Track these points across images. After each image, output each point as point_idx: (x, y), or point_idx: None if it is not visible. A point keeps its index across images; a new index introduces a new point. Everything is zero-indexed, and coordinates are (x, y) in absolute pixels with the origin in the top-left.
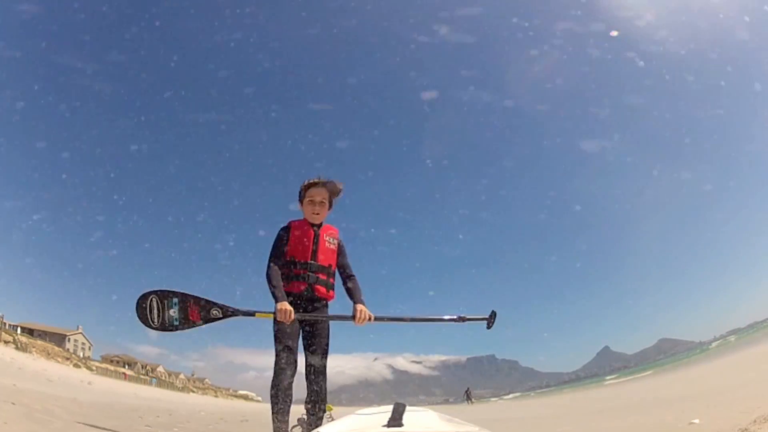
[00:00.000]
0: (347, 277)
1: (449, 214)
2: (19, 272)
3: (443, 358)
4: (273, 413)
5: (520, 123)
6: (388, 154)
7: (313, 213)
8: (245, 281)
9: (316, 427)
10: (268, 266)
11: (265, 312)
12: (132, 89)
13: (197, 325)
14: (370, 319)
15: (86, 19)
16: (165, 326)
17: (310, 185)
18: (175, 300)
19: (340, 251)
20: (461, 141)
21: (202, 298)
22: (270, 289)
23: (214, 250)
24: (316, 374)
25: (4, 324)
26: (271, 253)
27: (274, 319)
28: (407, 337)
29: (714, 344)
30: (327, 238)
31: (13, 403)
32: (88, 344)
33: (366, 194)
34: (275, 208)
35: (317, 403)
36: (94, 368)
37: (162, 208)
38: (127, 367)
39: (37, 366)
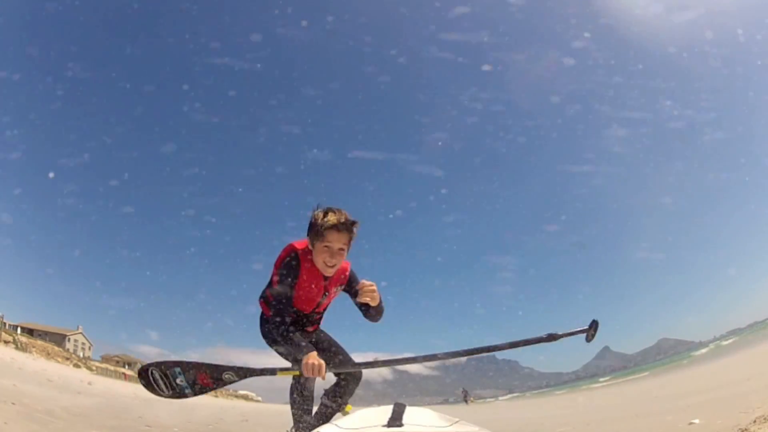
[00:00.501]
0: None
1: (445, 213)
2: (20, 272)
3: None
4: (294, 420)
5: (514, 122)
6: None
7: (328, 265)
8: (245, 279)
9: (325, 422)
10: (275, 308)
11: (287, 369)
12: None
13: (212, 389)
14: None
15: None
16: (178, 394)
17: (330, 226)
18: (178, 370)
19: (353, 282)
20: (469, 145)
21: (209, 365)
22: (284, 340)
23: (214, 248)
24: (355, 380)
25: (4, 324)
26: (275, 295)
27: (299, 375)
28: (407, 336)
29: (714, 344)
30: (334, 290)
31: (14, 403)
32: (88, 344)
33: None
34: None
35: (337, 397)
36: (94, 368)
37: (163, 208)
38: (127, 367)
39: (37, 366)
